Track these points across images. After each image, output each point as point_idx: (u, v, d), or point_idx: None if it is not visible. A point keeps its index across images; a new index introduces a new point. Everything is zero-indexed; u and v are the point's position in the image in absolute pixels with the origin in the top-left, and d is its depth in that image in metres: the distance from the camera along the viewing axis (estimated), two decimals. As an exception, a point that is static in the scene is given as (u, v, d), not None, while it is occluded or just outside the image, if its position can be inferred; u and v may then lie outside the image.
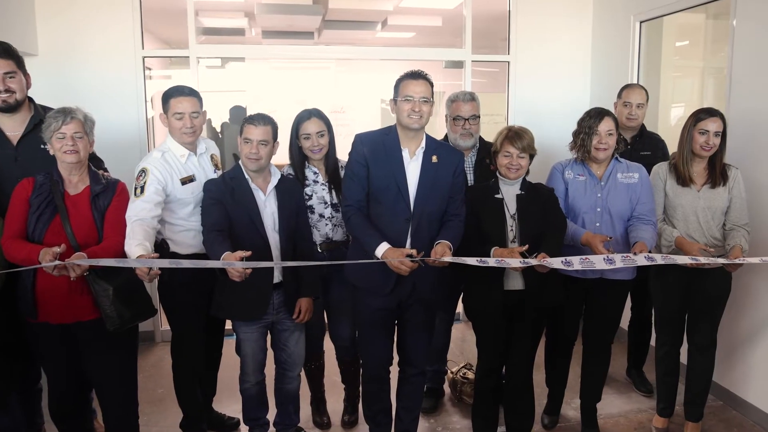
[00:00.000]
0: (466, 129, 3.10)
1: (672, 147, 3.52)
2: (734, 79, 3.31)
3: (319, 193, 2.91)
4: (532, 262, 2.41)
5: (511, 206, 2.67)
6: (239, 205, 2.58)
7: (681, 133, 2.86)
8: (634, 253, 2.54)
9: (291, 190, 2.74)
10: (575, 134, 2.87)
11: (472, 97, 3.16)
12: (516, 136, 2.63)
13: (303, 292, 2.72)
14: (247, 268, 2.27)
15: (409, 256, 2.37)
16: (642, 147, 3.39)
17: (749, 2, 3.21)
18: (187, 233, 2.70)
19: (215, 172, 2.83)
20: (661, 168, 2.95)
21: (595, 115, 2.80)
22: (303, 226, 2.78)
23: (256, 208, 2.61)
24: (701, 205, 2.83)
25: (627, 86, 3.55)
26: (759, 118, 3.08)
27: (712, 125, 2.75)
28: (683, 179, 2.85)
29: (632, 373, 3.72)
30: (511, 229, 2.64)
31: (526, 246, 2.43)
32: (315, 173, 2.94)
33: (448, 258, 2.38)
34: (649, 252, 2.61)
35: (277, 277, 2.68)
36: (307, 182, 2.92)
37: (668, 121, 4.88)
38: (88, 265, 2.16)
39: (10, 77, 2.50)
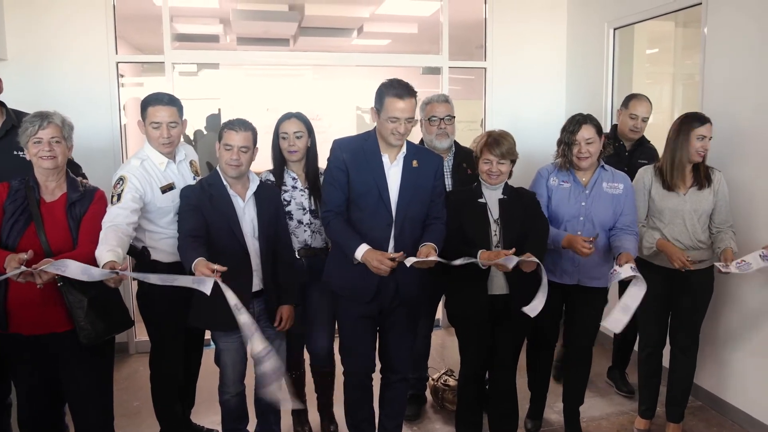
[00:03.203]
0: (442, 129, 3.10)
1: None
2: (706, 85, 3.38)
3: (297, 199, 2.88)
4: (520, 258, 2.42)
5: (494, 210, 2.67)
6: (217, 211, 2.53)
7: (670, 139, 2.88)
8: (620, 265, 2.58)
9: (270, 197, 2.70)
10: (558, 143, 2.87)
11: (446, 99, 3.18)
12: (495, 142, 2.63)
13: (283, 300, 2.68)
14: (218, 273, 2.17)
15: (392, 259, 2.36)
16: (640, 155, 3.42)
17: (719, 10, 3.29)
18: (167, 241, 2.64)
19: (194, 178, 2.79)
20: (646, 172, 2.97)
21: (575, 123, 2.79)
22: (283, 233, 2.74)
23: (235, 216, 2.56)
24: (687, 208, 2.87)
25: (634, 97, 3.47)
26: (732, 123, 3.14)
27: (707, 131, 2.82)
28: (669, 184, 2.87)
29: (614, 375, 3.75)
30: (495, 234, 2.65)
31: (513, 249, 2.43)
32: (294, 179, 2.91)
33: (434, 257, 2.36)
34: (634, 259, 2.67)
35: (257, 285, 2.62)
36: (285, 188, 2.88)
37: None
38: (53, 272, 2.05)
39: None
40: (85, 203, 2.39)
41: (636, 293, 2.55)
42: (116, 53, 4.04)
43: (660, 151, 3.14)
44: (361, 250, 2.40)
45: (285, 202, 2.86)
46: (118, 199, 2.45)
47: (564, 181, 2.86)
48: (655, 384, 3.12)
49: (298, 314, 2.85)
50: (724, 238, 2.83)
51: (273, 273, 2.65)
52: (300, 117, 2.90)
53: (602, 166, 2.88)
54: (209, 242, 2.46)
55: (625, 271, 2.55)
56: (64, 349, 2.35)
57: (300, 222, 2.88)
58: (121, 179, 2.51)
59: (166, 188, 2.63)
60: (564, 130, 2.84)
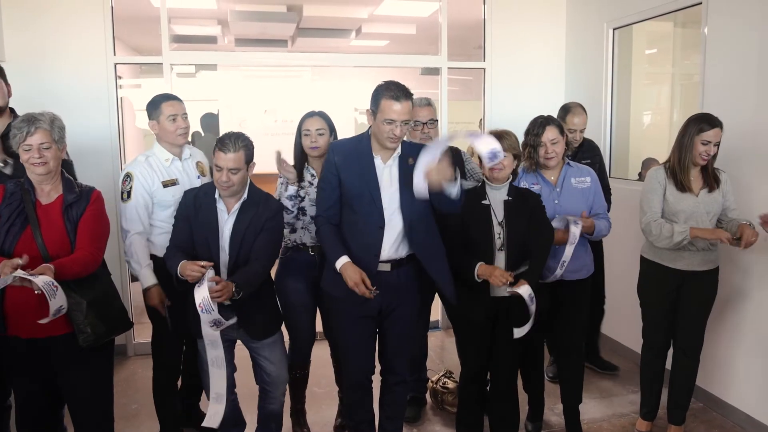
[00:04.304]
0: (425, 133, 3.12)
1: (637, 155, 3.80)
2: (707, 85, 3.37)
3: (311, 195, 2.88)
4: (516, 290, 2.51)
5: (498, 213, 2.66)
6: (200, 222, 2.52)
7: (678, 140, 2.86)
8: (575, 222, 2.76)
9: (254, 212, 2.52)
10: (523, 146, 2.91)
11: (428, 102, 3.18)
12: (498, 137, 2.63)
13: (231, 278, 2.43)
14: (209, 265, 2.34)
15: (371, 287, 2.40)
16: (583, 156, 3.58)
17: (720, 10, 3.28)
18: (166, 236, 2.67)
19: (199, 178, 2.88)
20: (658, 173, 2.93)
21: (538, 125, 2.87)
22: (259, 243, 2.52)
23: (215, 228, 2.51)
24: (701, 210, 2.85)
25: (569, 110, 3.57)
26: (732, 123, 3.11)
27: (714, 137, 2.77)
28: (682, 185, 2.85)
29: (592, 360, 3.86)
30: (499, 236, 2.63)
31: (511, 273, 2.51)
32: (312, 175, 2.92)
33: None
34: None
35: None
36: (303, 183, 2.90)
37: (640, 128, 4.96)
38: (41, 284, 2.02)
39: None
40: (81, 204, 2.35)
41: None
42: (114, 54, 4.03)
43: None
44: (341, 262, 2.41)
45: (299, 198, 2.88)
46: (128, 196, 2.68)
47: (534, 183, 2.92)
48: (657, 386, 3.12)
49: (307, 315, 2.94)
50: (735, 222, 2.82)
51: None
52: (322, 115, 2.94)
53: (567, 163, 2.96)
54: (194, 252, 2.51)
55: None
56: (63, 352, 2.32)
57: (312, 218, 2.86)
58: (128, 176, 2.71)
59: (168, 183, 2.75)
60: (528, 133, 2.91)
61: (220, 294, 2.30)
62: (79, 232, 2.31)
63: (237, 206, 2.53)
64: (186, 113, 2.82)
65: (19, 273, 2.01)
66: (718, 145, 2.81)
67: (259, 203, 2.56)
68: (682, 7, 3.59)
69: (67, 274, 2.18)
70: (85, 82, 3.96)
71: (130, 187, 2.68)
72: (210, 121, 6.60)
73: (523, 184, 2.90)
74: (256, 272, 2.49)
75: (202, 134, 6.61)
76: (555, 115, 3.47)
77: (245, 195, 2.55)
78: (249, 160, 2.50)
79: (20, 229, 2.25)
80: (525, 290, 2.50)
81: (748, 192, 3.09)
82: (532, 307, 2.53)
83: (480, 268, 2.54)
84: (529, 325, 2.59)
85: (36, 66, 3.86)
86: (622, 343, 4.19)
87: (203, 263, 2.32)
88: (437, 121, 3.21)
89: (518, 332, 2.60)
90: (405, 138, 3.17)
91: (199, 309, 2.27)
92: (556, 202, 2.88)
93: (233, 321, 2.45)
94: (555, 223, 2.79)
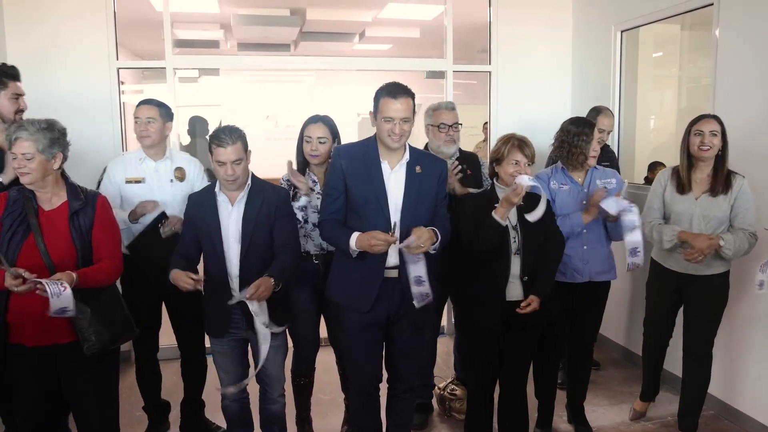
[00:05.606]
0: (450, 135, 3.15)
1: (643, 158, 3.94)
2: (718, 87, 3.33)
3: (313, 201, 2.85)
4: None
5: (512, 216, 2.63)
6: (202, 217, 2.53)
7: (681, 142, 2.89)
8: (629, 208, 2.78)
9: (267, 198, 2.54)
10: (567, 143, 2.93)
11: (453, 106, 3.24)
12: (523, 143, 2.63)
13: (267, 272, 2.44)
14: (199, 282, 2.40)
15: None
16: (603, 159, 3.63)
17: (732, 12, 3.24)
18: (126, 231, 2.82)
19: (172, 181, 2.98)
20: (663, 174, 2.98)
21: (587, 124, 2.93)
22: (283, 233, 2.54)
23: (217, 221, 2.51)
24: (697, 213, 2.83)
25: (600, 112, 3.70)
26: (745, 125, 3.10)
27: (706, 126, 2.79)
28: (682, 186, 2.87)
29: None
30: (514, 241, 2.61)
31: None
32: (314, 182, 2.88)
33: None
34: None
35: (235, 290, 2.50)
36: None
37: (647, 131, 4.92)
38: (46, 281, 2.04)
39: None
40: (88, 213, 2.30)
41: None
42: (117, 59, 4.01)
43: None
44: (353, 239, 2.36)
45: (303, 205, 2.84)
46: (98, 185, 2.97)
47: (563, 184, 2.96)
48: (655, 377, 3.25)
49: (312, 322, 2.90)
50: (729, 232, 2.80)
51: (258, 275, 2.47)
52: (326, 122, 2.89)
53: (594, 166, 3.01)
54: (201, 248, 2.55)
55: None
56: (68, 360, 2.29)
57: (315, 225, 2.83)
58: (105, 169, 2.99)
59: (132, 180, 2.93)
60: (573, 131, 2.92)
61: (263, 291, 2.35)
62: (96, 243, 2.29)
63: (242, 195, 2.53)
64: (151, 118, 2.90)
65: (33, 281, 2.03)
66: (716, 135, 2.78)
67: (264, 189, 2.58)
68: (693, 8, 3.54)
69: (90, 282, 2.18)
70: (87, 87, 3.95)
71: (101, 178, 2.99)
72: (198, 126, 5.49)
73: (553, 184, 2.95)
74: (288, 261, 2.51)
75: (192, 138, 5.42)
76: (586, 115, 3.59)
77: (249, 182, 2.55)
78: (246, 147, 2.52)
79: (22, 237, 2.21)
80: (524, 179, 2.47)
81: (758, 194, 3.04)
82: (537, 190, 2.51)
83: (498, 212, 2.53)
84: (543, 206, 2.53)
85: (38, 71, 3.84)
86: (623, 345, 4.17)
87: (195, 276, 2.37)
88: (461, 124, 3.24)
89: (532, 217, 2.55)
90: (431, 139, 3.21)
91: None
92: (585, 202, 2.90)
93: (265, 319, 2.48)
94: (607, 204, 2.77)
